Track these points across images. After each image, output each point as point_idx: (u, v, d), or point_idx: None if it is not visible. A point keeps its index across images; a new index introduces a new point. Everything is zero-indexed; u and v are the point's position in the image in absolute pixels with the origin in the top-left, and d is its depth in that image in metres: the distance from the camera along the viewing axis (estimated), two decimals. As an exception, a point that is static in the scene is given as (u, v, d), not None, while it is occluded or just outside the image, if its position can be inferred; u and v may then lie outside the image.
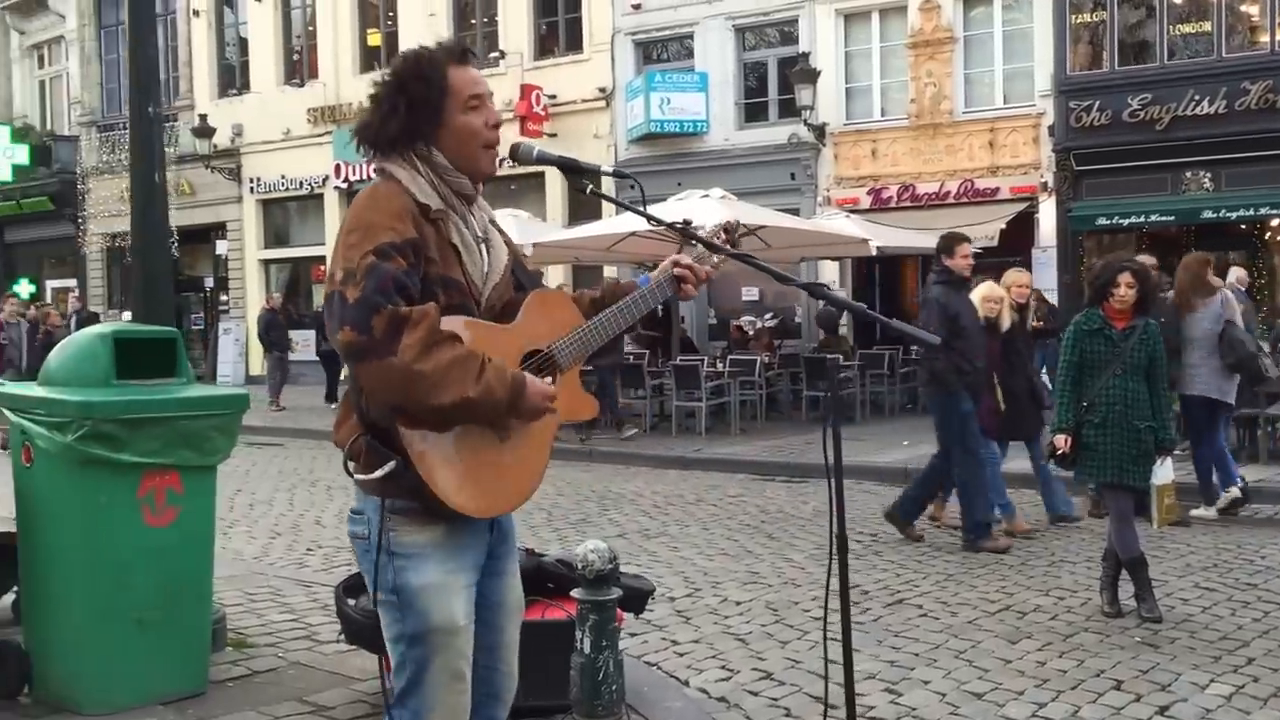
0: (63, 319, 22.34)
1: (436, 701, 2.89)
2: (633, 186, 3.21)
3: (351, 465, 2.85)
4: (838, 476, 3.18)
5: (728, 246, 3.25)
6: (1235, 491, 9.81)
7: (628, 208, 3.41)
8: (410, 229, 2.78)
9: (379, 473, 2.75)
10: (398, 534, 2.84)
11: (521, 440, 2.91)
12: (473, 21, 25.96)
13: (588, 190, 3.21)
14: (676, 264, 3.18)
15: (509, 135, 18.46)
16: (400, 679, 2.91)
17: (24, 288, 32.15)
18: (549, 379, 2.95)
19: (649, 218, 3.36)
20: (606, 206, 22.40)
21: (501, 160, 3.14)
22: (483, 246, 2.99)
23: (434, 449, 2.75)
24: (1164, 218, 18.51)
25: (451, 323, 2.75)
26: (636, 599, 5.35)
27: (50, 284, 33.25)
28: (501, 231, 3.12)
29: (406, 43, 25.33)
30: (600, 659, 4.29)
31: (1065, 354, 7.07)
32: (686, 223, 3.26)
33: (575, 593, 4.37)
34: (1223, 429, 10.28)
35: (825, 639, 3.48)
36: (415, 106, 2.89)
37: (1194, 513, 9.78)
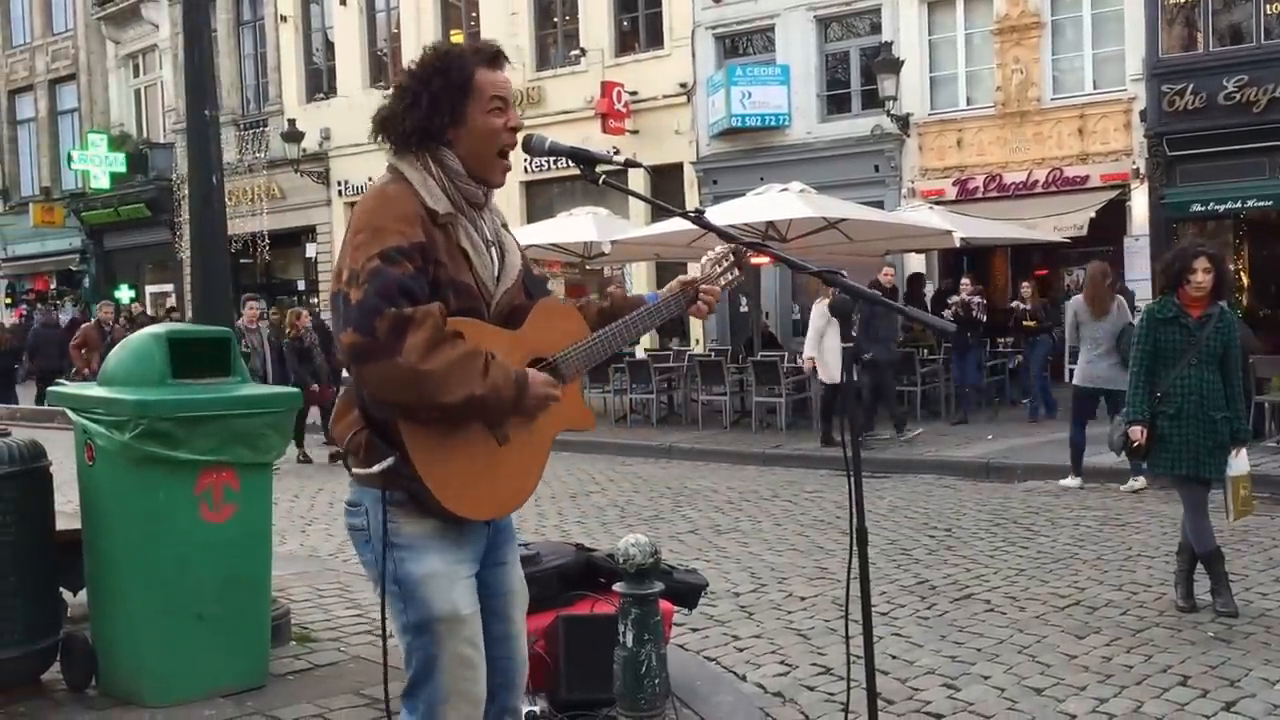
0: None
1: (449, 690, 2.92)
2: (649, 174, 3.21)
3: (350, 460, 2.88)
4: (856, 470, 3.16)
5: (729, 261, 3.27)
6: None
7: (641, 198, 3.44)
8: (418, 233, 2.79)
9: (377, 468, 2.78)
10: (397, 525, 2.87)
11: (518, 445, 2.93)
12: (554, 20, 26.16)
13: (600, 181, 3.21)
14: (685, 285, 3.21)
15: (590, 134, 18.48)
16: (409, 669, 2.94)
17: (124, 293, 33.21)
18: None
19: (661, 206, 3.37)
20: (687, 204, 22.46)
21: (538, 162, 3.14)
22: (494, 250, 3.01)
23: (430, 450, 2.77)
24: (1262, 203, 18.02)
25: (458, 324, 2.77)
26: (688, 594, 5.36)
27: (149, 289, 34.17)
28: (513, 237, 3.14)
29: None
30: (643, 653, 4.27)
31: (1140, 343, 6.85)
32: (700, 211, 3.26)
33: (617, 587, 4.37)
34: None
35: (847, 635, 3.48)
36: (437, 102, 2.89)
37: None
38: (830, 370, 13.89)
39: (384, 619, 2.96)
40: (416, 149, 2.92)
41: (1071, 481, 11.21)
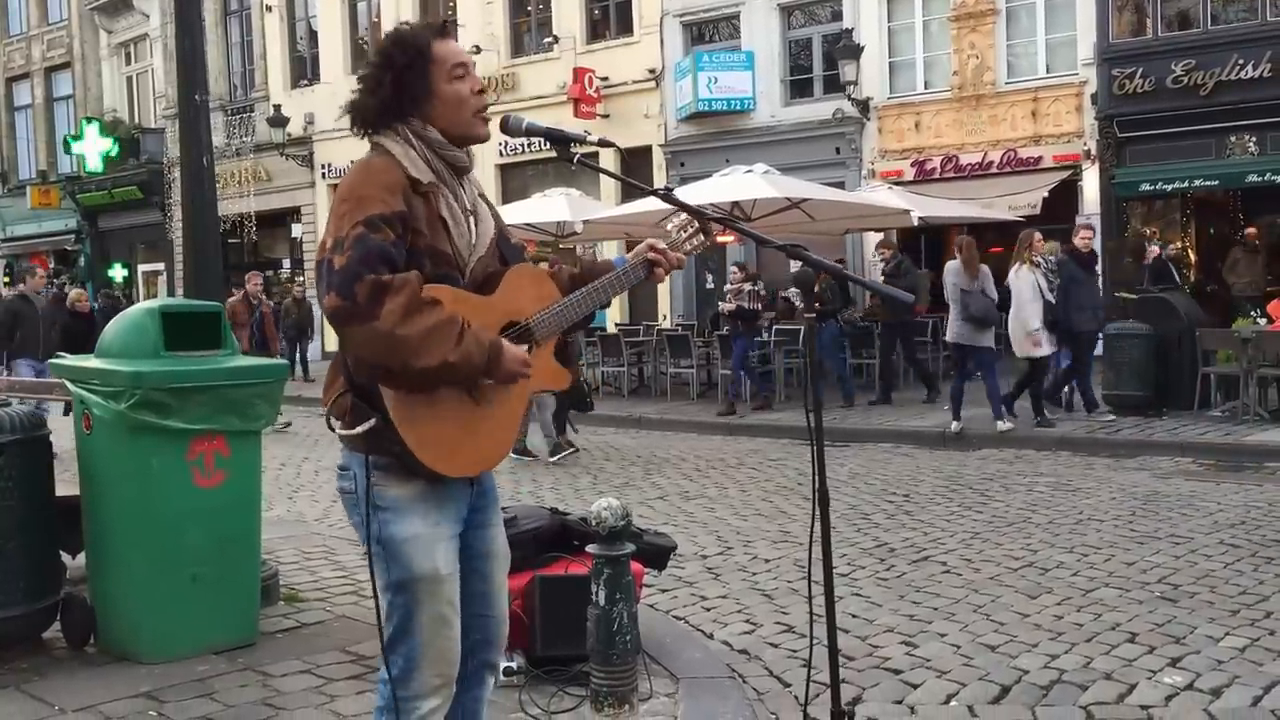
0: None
1: (425, 646, 3.02)
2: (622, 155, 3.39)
3: (336, 422, 2.96)
4: (818, 436, 3.36)
5: (694, 227, 3.37)
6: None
7: (615, 176, 3.62)
8: (400, 203, 2.88)
9: (360, 429, 2.87)
10: (382, 488, 2.96)
11: (494, 405, 3.05)
12: (528, 8, 26.61)
13: (576, 161, 3.31)
14: (652, 248, 3.29)
15: (563, 118, 18.57)
16: (390, 626, 3.03)
17: (117, 272, 34.19)
18: (525, 349, 3.07)
19: (633, 184, 3.55)
20: (656, 185, 22.69)
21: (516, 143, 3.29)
22: (470, 219, 3.11)
23: (411, 410, 2.86)
24: (1208, 182, 18.45)
25: (435, 291, 2.85)
26: (657, 555, 5.56)
27: (141, 268, 35.10)
28: (489, 204, 3.25)
29: (468, 31, 26.04)
30: (615, 611, 4.35)
31: None
32: (669, 189, 3.43)
33: (590, 548, 4.48)
34: (972, 369, 12.86)
35: (810, 595, 3.67)
36: (402, 78, 2.99)
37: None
38: (1030, 343, 12.74)
39: (373, 578, 3.06)
40: (394, 124, 3.05)
41: (955, 426, 12.63)
